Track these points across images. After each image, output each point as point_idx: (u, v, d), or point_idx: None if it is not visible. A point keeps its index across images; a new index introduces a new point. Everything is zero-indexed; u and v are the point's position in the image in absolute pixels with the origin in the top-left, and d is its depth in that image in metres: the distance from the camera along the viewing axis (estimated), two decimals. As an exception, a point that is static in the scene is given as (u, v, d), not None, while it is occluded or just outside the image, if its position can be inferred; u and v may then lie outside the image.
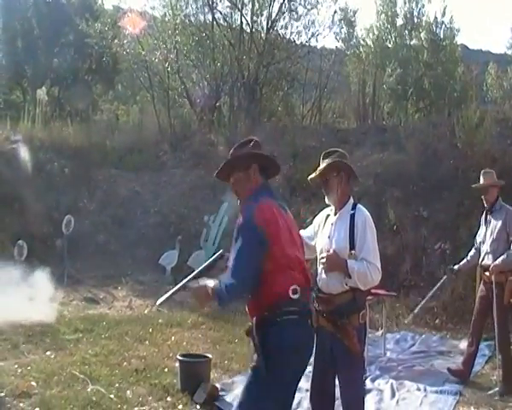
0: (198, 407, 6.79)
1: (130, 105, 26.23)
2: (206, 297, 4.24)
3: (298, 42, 22.09)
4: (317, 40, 42.04)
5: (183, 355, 7.44)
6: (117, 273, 13.86)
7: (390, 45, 23.68)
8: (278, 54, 21.10)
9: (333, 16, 23.29)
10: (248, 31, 20.89)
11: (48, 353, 8.61)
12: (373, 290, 8.07)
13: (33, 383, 7.23)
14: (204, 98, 20.59)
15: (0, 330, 9.21)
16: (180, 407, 6.63)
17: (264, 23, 21.16)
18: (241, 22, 20.94)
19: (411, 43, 23.71)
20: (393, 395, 7.58)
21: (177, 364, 7.45)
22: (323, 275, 5.00)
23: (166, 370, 7.96)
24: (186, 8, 21.68)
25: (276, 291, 4.22)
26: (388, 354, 9.43)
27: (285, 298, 4.20)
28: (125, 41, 22.51)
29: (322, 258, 5.02)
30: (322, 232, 5.21)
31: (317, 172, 5.17)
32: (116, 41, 23.45)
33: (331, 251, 4.98)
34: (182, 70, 21.36)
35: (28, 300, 9.90)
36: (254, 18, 21.10)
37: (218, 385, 7.23)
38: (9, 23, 24.72)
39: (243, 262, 4.19)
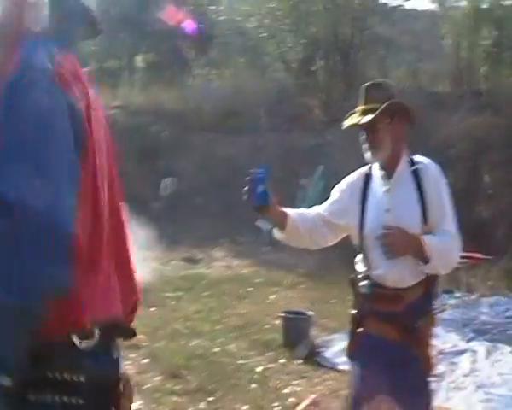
0: (299, 361, 7.09)
1: (225, 70, 26.44)
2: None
3: (392, 5, 21.98)
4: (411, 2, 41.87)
5: (285, 312, 7.76)
6: (215, 234, 14.09)
7: (485, 6, 23.16)
8: (373, 18, 20.97)
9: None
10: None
11: (152, 309, 9.00)
12: (468, 254, 8.18)
13: (141, 336, 7.65)
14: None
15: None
16: (282, 360, 6.93)
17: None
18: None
19: (507, 3, 23.13)
20: (487, 356, 7.69)
21: (279, 320, 7.79)
22: (385, 263, 3.47)
23: (266, 327, 8.27)
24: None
25: None
26: (482, 317, 9.47)
27: None
28: (220, 8, 22.85)
29: (384, 237, 3.45)
30: (371, 206, 3.61)
31: (364, 120, 3.52)
32: (213, 7, 23.77)
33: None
34: (277, 35, 21.48)
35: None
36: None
37: (317, 342, 7.49)
38: (104, -6, 25.22)
39: None
